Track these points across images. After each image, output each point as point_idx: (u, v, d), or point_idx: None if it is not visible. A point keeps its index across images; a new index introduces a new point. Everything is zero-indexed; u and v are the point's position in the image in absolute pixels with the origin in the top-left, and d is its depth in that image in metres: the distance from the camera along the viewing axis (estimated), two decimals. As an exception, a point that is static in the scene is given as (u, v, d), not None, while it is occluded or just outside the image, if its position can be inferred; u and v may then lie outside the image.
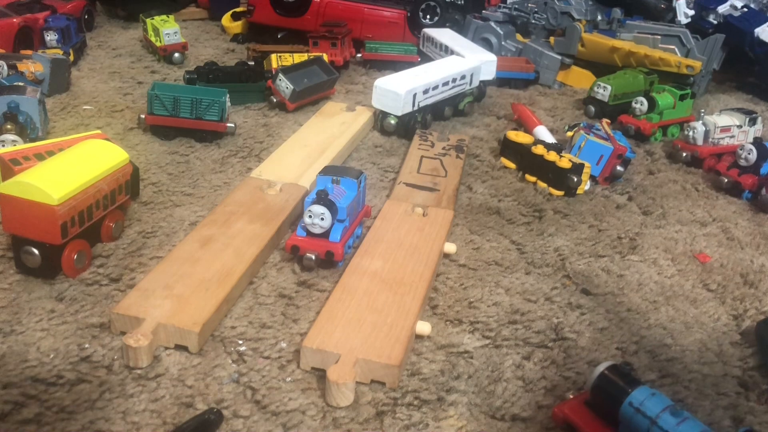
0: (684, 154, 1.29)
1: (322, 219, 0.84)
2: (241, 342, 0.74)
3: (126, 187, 0.91)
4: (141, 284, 0.77)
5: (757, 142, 1.20)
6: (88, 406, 0.64)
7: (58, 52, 1.46)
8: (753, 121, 1.32)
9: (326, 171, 0.91)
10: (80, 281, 0.81)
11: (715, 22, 1.85)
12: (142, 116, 1.21)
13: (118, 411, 0.63)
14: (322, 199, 0.85)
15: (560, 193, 1.12)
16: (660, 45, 1.69)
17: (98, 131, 1.07)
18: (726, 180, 1.19)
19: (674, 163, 1.30)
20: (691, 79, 1.59)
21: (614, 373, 0.62)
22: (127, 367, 0.69)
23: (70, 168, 0.83)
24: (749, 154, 1.18)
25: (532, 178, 1.15)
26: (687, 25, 1.77)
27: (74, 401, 0.64)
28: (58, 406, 0.63)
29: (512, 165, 1.21)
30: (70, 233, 0.80)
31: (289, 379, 0.69)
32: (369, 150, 1.26)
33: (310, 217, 0.85)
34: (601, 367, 0.63)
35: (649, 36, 1.70)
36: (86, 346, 0.71)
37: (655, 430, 0.58)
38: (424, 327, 0.76)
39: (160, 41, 1.64)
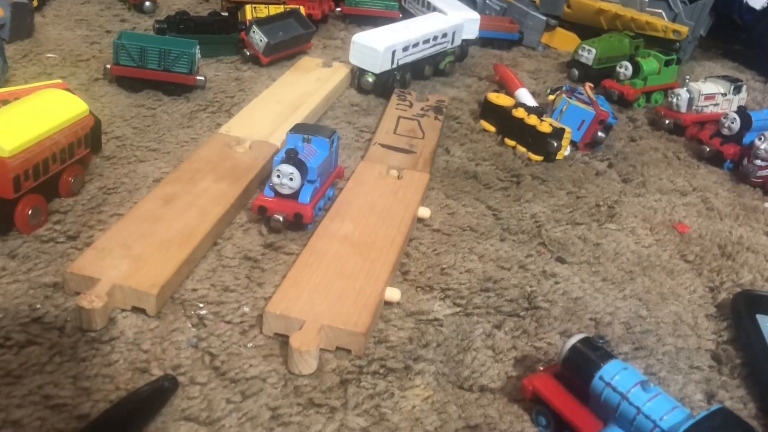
0: (667, 122, 1.27)
1: (291, 179, 0.81)
2: (201, 305, 0.70)
3: (86, 141, 0.86)
4: (98, 243, 0.74)
5: (741, 110, 1.18)
6: (37, 369, 0.61)
7: (21, -4, 1.38)
8: (738, 90, 1.30)
9: (297, 129, 0.87)
10: (35, 238, 0.77)
11: (704, -14, 1.81)
12: (108, 66, 1.15)
13: (68, 375, 0.60)
14: (292, 158, 0.81)
15: (539, 158, 1.09)
16: (647, 9, 1.65)
17: (60, 81, 1.02)
18: (708, 149, 1.17)
19: (657, 131, 1.28)
20: (677, 44, 1.56)
21: (586, 346, 0.60)
22: (80, 330, 0.65)
23: (24, 119, 0.78)
24: (732, 123, 1.16)
25: (512, 142, 1.12)
26: (675, -11, 1.73)
27: (22, 365, 0.61)
28: (4, 370, 0.60)
29: (492, 128, 1.17)
30: (23, 187, 0.76)
31: (250, 344, 0.66)
32: (345, 108, 1.21)
33: (279, 176, 0.81)
34: (573, 340, 0.61)
35: (637, -1, 1.67)
36: (38, 306, 0.68)
37: (625, 405, 0.56)
38: (393, 293, 0.73)
39: (131, -12, 1.56)
